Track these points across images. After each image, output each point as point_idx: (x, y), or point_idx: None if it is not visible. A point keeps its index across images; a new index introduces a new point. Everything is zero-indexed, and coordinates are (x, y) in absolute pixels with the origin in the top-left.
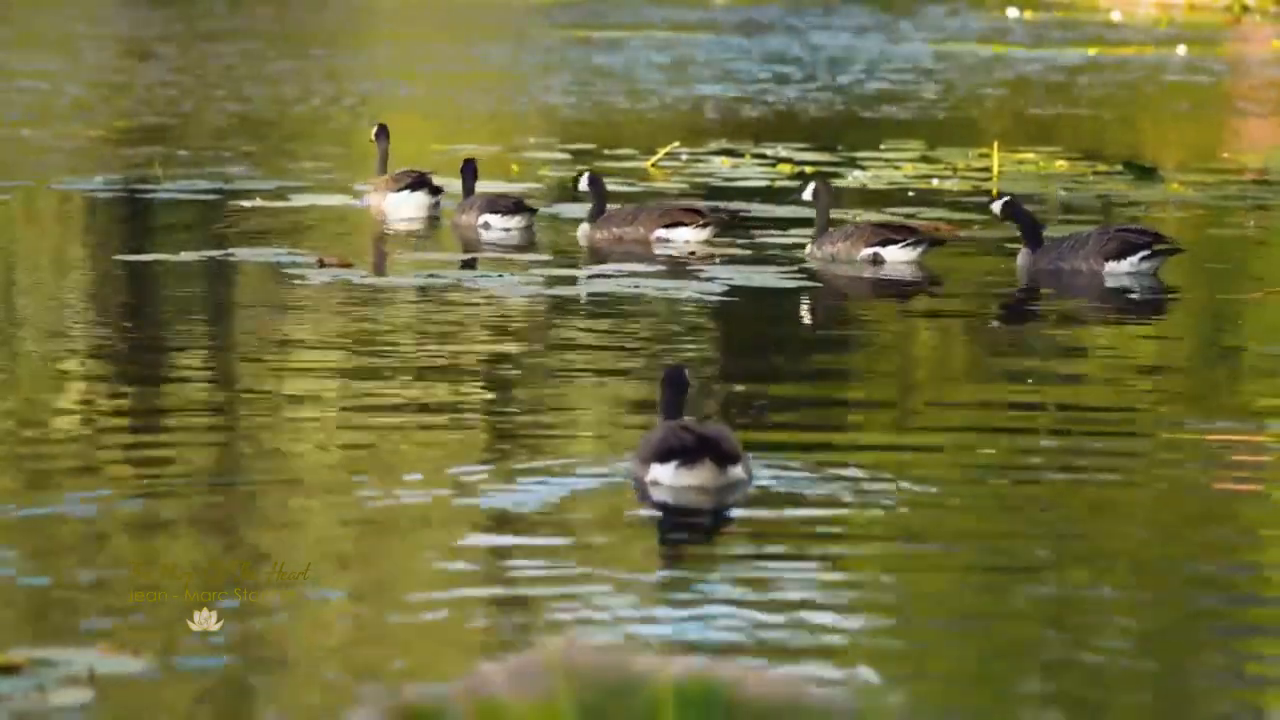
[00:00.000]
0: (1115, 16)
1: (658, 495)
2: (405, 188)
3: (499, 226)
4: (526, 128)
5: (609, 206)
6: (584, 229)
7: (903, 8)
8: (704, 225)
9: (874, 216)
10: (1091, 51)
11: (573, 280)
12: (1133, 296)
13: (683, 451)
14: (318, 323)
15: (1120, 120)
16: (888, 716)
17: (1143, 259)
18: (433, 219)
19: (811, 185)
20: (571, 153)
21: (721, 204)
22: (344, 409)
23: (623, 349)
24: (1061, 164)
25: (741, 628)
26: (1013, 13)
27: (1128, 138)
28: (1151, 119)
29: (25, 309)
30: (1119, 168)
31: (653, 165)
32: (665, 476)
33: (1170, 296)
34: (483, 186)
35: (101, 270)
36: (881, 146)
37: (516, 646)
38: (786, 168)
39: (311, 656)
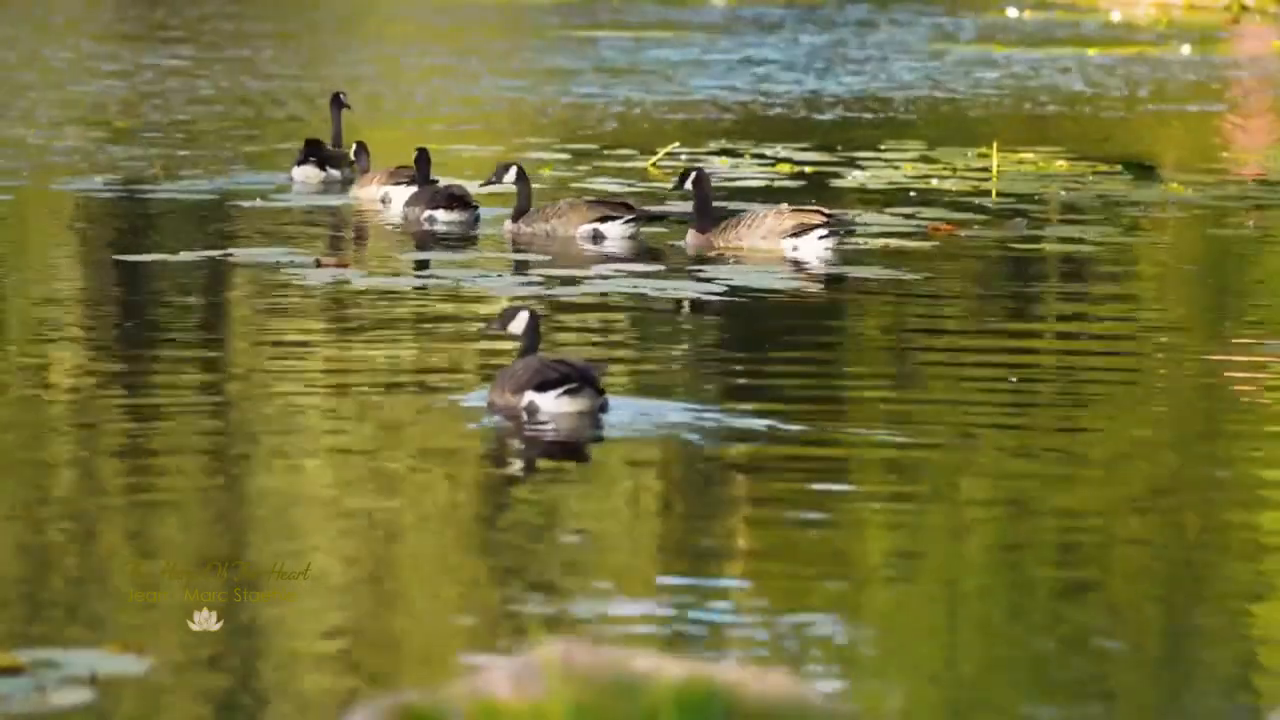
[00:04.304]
0: (1115, 16)
1: (536, 420)
2: (297, 162)
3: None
4: (527, 127)
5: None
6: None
7: (901, 8)
8: (462, 209)
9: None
10: (1091, 51)
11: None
12: (814, 272)
13: (563, 381)
14: (312, 321)
15: (1120, 120)
16: (888, 717)
17: (820, 238)
18: (329, 193)
19: (512, 169)
20: (572, 152)
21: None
22: (344, 407)
23: (618, 343)
24: (1061, 164)
25: (740, 627)
26: (1013, 12)
27: (1127, 138)
28: (1151, 119)
29: (24, 309)
30: (1118, 168)
31: (653, 165)
32: (546, 404)
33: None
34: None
35: (101, 270)
36: (881, 146)
37: (517, 645)
38: (786, 167)
39: (311, 656)
